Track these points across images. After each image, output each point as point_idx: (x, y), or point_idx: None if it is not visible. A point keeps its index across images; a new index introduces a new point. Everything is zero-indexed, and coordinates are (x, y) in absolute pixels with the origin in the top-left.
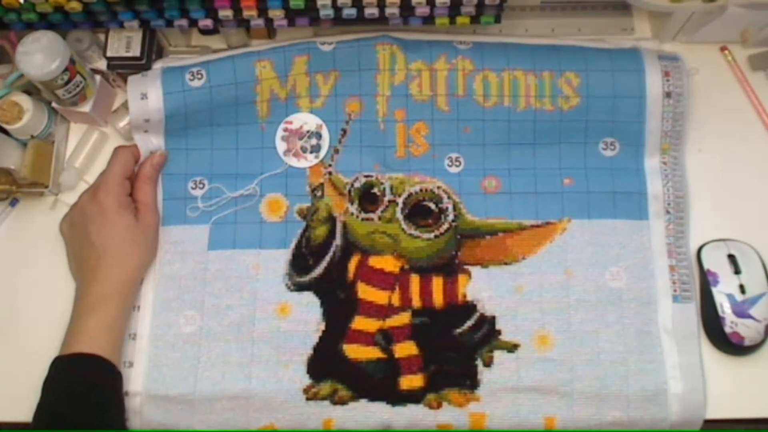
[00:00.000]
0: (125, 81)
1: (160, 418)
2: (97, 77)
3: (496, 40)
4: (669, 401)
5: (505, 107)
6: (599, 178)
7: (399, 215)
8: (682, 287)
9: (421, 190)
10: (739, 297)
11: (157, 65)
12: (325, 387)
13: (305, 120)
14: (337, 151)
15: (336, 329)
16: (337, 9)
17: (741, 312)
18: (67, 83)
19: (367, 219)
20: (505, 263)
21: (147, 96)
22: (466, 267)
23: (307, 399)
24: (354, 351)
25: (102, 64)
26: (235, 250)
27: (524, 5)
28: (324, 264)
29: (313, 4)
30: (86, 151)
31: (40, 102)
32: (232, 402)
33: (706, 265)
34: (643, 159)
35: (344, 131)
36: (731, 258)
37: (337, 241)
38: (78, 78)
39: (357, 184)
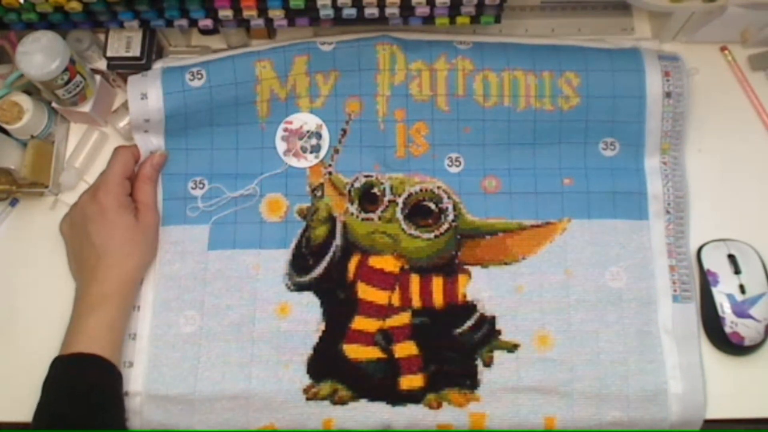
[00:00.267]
0: (125, 81)
1: (160, 418)
2: (97, 77)
3: (496, 40)
4: (669, 401)
5: (505, 107)
6: (599, 178)
7: (399, 215)
8: (682, 287)
9: (421, 190)
10: (739, 297)
11: (157, 65)
12: (325, 387)
13: (305, 120)
14: (337, 151)
15: (336, 329)
16: (337, 9)
17: (741, 312)
18: (67, 83)
19: (367, 219)
20: (505, 263)
21: (147, 96)
22: (466, 267)
23: (307, 399)
24: (354, 351)
25: (102, 64)
26: (235, 250)
27: (524, 5)
28: (324, 264)
29: (313, 4)
30: (86, 151)
31: (40, 102)
32: (232, 402)
33: (706, 265)
34: (643, 159)
35: (344, 131)
36: (731, 258)
37: (337, 241)
38: (78, 78)
39: (357, 184)
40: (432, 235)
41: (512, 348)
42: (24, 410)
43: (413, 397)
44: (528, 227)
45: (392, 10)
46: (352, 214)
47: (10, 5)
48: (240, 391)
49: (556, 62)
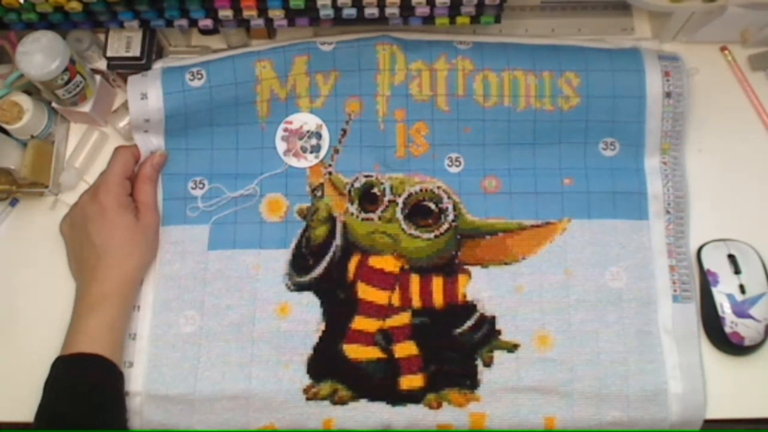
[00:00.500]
0: (125, 81)
1: (160, 418)
2: (97, 77)
3: (496, 40)
4: (669, 401)
5: (505, 107)
6: (599, 178)
7: (399, 215)
8: (682, 287)
9: (421, 190)
10: (739, 297)
11: (157, 65)
12: (325, 387)
13: (305, 120)
14: (337, 151)
15: (336, 329)
16: (337, 9)
17: (741, 312)
18: (67, 83)
19: (367, 219)
20: (505, 263)
21: (147, 96)
22: (466, 267)
23: (307, 399)
24: (354, 351)
25: (102, 64)
26: (235, 250)
27: (524, 5)
28: (324, 264)
29: (313, 4)
30: (86, 151)
31: (40, 102)
32: (232, 402)
33: (706, 265)
34: (643, 159)
35: (344, 131)
36: (731, 258)
37: (337, 241)
38: (78, 78)
39: (357, 184)
40: (432, 235)
41: (512, 348)
42: (24, 410)
43: (413, 397)
44: (528, 227)
45: (392, 10)
46: (352, 214)
47: (10, 5)
48: (240, 391)
49: (556, 62)
